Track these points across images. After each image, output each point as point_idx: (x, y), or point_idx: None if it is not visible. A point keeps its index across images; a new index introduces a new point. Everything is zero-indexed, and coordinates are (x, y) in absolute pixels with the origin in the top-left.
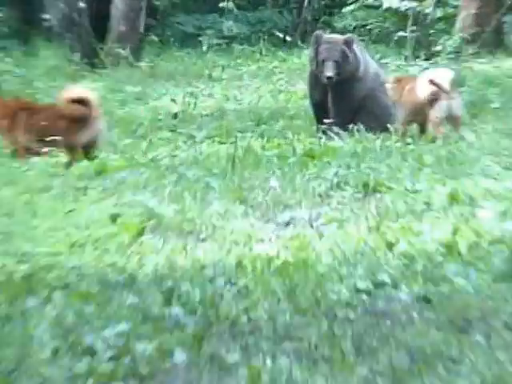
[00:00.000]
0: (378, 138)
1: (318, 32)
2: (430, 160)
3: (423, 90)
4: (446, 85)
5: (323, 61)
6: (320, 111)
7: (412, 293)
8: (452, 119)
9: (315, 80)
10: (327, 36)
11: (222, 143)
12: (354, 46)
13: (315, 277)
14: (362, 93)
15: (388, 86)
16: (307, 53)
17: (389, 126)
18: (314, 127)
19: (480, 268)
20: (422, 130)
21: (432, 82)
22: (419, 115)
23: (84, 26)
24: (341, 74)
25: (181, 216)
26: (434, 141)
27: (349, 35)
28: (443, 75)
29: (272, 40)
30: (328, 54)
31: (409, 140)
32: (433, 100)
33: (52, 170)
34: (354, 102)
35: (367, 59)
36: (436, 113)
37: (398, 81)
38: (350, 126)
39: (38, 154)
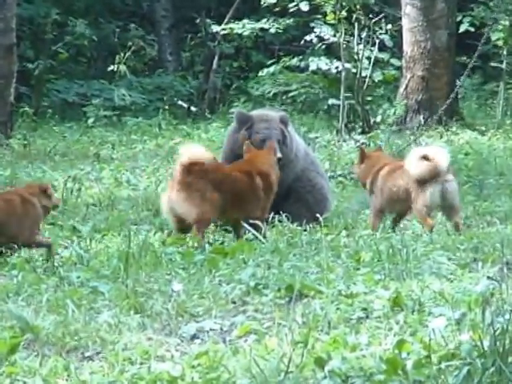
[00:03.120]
0: (304, 229)
1: (241, 111)
2: (368, 257)
3: (415, 167)
4: (444, 163)
5: (264, 140)
6: None
7: None
8: (446, 208)
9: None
10: (259, 113)
11: (112, 238)
12: (289, 126)
13: None
14: (292, 177)
15: (355, 168)
16: (217, 126)
17: (318, 215)
18: None
19: None
20: (398, 220)
21: (426, 158)
22: (400, 203)
23: None
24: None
25: (62, 329)
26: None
27: (283, 113)
28: (439, 152)
29: (173, 111)
30: (269, 133)
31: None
32: (423, 182)
33: None
34: (282, 188)
35: (296, 137)
36: (425, 200)
37: (367, 160)
38: (271, 216)
39: None
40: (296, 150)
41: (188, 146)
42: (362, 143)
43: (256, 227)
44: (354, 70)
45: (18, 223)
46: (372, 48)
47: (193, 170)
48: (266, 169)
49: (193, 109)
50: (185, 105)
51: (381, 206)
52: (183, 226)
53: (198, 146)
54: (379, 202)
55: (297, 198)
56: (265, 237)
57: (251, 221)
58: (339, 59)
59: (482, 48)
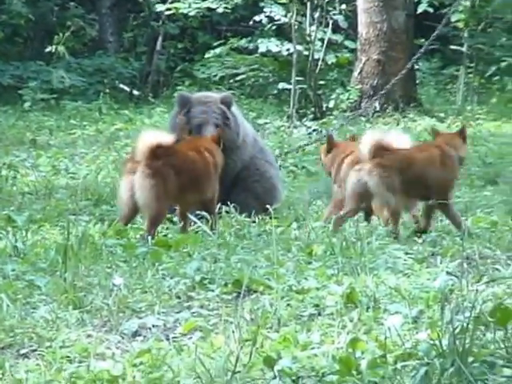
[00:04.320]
0: (253, 221)
1: (182, 93)
2: (320, 250)
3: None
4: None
5: (200, 125)
6: None
7: None
8: None
9: None
10: (199, 94)
11: (49, 229)
12: (233, 107)
13: None
14: (239, 165)
15: (323, 157)
16: (161, 111)
17: (268, 206)
18: None
19: None
20: (367, 213)
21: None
22: (366, 196)
23: None
24: (223, 141)
25: None
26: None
27: (226, 93)
28: (402, 141)
29: (115, 94)
30: (206, 117)
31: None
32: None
33: None
34: (229, 176)
35: (244, 122)
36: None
37: (335, 149)
38: (218, 207)
39: None
40: (244, 135)
41: (149, 130)
42: (314, 130)
43: (210, 211)
44: (305, 53)
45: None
46: (325, 29)
47: (160, 154)
48: (211, 146)
49: (135, 92)
50: (127, 88)
51: (343, 196)
52: (132, 215)
53: (158, 131)
54: (342, 192)
55: (244, 188)
56: (212, 229)
57: (201, 212)
58: (290, 41)
59: (440, 30)
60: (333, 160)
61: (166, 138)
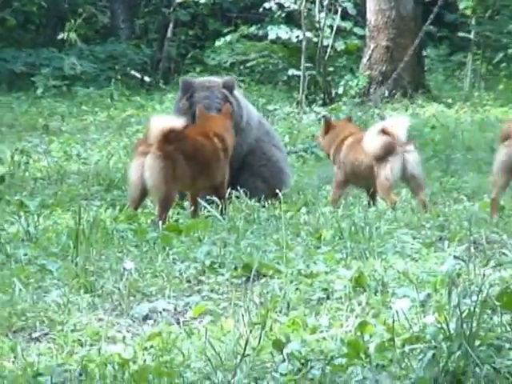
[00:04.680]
0: (263, 205)
1: (185, 78)
2: (329, 235)
3: (371, 143)
4: (402, 134)
5: None
6: None
7: None
8: (409, 181)
9: None
10: (201, 79)
11: (61, 214)
12: (236, 91)
13: None
14: (245, 148)
15: (319, 139)
16: (172, 98)
17: (277, 191)
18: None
19: (393, 374)
20: (372, 196)
21: (385, 131)
22: (364, 178)
23: None
24: None
25: (9, 308)
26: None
27: (228, 77)
28: (398, 123)
29: (126, 81)
30: (209, 102)
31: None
32: (383, 156)
33: None
34: (236, 160)
35: (248, 105)
36: (386, 173)
37: (332, 130)
38: (228, 191)
39: None
40: (248, 118)
41: (159, 115)
42: (323, 116)
43: (220, 196)
44: (315, 39)
45: None
46: (334, 16)
47: (172, 138)
48: (221, 130)
49: (146, 79)
50: (138, 75)
51: (344, 177)
52: (142, 198)
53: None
54: (342, 173)
55: (251, 172)
56: (222, 214)
57: (211, 197)
58: (300, 28)
59: (437, 11)
60: (331, 141)
61: (178, 122)
